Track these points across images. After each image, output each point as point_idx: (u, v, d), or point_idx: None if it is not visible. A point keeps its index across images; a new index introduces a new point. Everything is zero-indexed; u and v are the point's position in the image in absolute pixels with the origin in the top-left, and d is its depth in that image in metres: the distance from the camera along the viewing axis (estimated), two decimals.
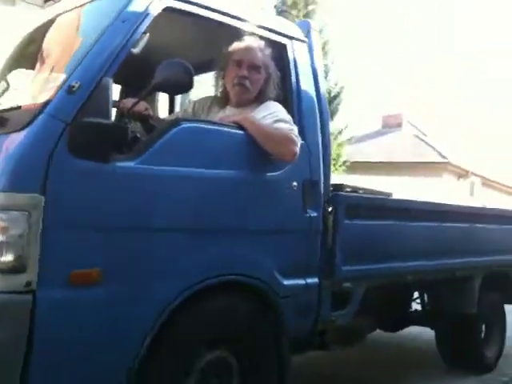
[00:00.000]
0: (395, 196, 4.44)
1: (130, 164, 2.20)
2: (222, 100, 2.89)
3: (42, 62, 2.60)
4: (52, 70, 2.45)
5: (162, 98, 3.76)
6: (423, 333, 5.15)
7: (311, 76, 3.07)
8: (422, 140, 23.68)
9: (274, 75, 2.81)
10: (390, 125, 25.59)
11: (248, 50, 2.75)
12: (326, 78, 17.78)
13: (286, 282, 2.73)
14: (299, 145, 2.68)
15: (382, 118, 26.63)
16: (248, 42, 2.77)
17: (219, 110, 2.88)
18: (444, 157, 21.79)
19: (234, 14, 2.73)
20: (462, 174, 22.23)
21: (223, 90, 2.88)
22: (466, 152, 25.24)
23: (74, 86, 2.07)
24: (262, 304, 2.65)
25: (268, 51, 2.80)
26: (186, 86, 2.35)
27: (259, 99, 2.81)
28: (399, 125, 25.41)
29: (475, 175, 21.28)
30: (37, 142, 2.00)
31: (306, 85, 3.00)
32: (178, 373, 2.34)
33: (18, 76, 3.00)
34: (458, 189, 20.05)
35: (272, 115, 2.69)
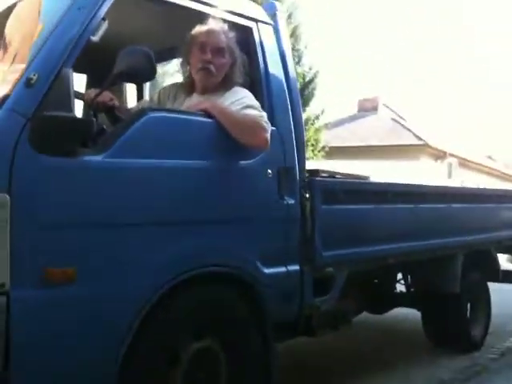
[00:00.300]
0: (372, 179, 4.43)
1: (98, 158, 2.13)
2: (188, 87, 2.81)
3: (4, 52, 2.50)
4: (13, 60, 2.35)
5: (131, 87, 3.67)
6: (410, 314, 5.18)
7: (279, 59, 3.00)
8: (399, 123, 23.80)
9: (240, 60, 2.74)
10: (366, 109, 25.66)
11: (211, 33, 2.67)
12: (299, 62, 17.84)
13: (266, 270, 2.70)
14: (270, 131, 2.62)
15: (357, 102, 26.68)
16: (211, 25, 2.68)
17: (185, 97, 2.81)
18: (421, 139, 21.92)
19: None
20: (440, 155, 22.38)
21: (188, 76, 2.80)
22: (443, 134, 25.46)
23: (32, 79, 1.98)
24: (244, 293, 2.62)
25: (232, 34, 2.72)
26: (149, 74, 2.29)
27: (225, 85, 2.73)
28: (375, 108, 25.49)
29: (453, 156, 21.44)
30: None
31: (274, 68, 2.94)
32: (162, 366, 2.30)
33: None
34: (436, 170, 20.19)
35: (240, 101, 2.62)
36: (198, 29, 2.69)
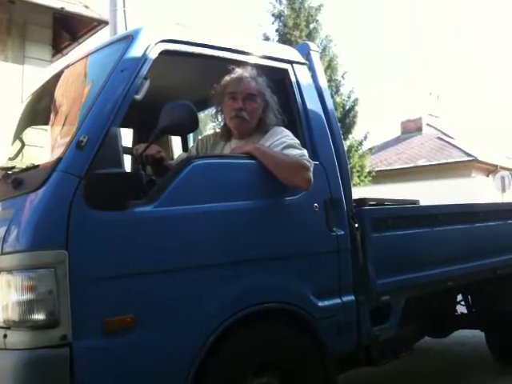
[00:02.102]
0: (422, 202, 4.39)
1: (148, 208, 2.23)
2: (225, 134, 2.90)
3: (54, 117, 2.66)
4: (63, 124, 2.51)
5: (176, 138, 3.79)
6: (472, 337, 5.04)
7: (316, 95, 3.06)
8: (445, 141, 23.39)
9: (272, 101, 2.80)
10: (410, 130, 25.41)
11: (240, 80, 2.74)
12: (337, 92, 17.93)
13: (320, 304, 2.71)
14: (312, 169, 2.66)
15: (400, 123, 26.44)
16: (239, 72, 2.75)
17: (224, 144, 2.90)
18: (470, 155, 21.47)
19: (231, 48, 2.75)
20: (491, 169, 21.83)
21: (224, 124, 2.90)
22: (492, 147, 24.83)
23: (82, 141, 2.11)
24: (300, 327, 2.63)
25: (262, 79, 2.79)
26: (192, 127, 2.40)
27: (261, 128, 2.81)
28: (419, 129, 25.20)
29: (504, 169, 20.87)
30: (54, 199, 2.04)
31: (313, 105, 3.00)
32: None
33: (33, 133, 3.07)
34: (489, 185, 19.67)
35: (279, 141, 2.68)
36: (228, 78, 2.76)
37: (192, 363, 2.21)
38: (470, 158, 21.30)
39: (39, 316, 1.96)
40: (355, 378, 3.74)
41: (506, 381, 4.22)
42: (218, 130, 3.01)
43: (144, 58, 2.36)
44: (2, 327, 2.02)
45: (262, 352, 2.49)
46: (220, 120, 2.93)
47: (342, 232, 2.89)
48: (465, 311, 4.57)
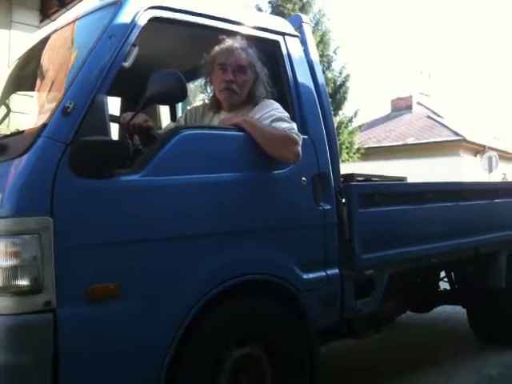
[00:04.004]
0: (410, 180, 4.42)
1: (135, 177, 2.21)
2: (214, 105, 2.87)
3: (41, 83, 2.62)
4: (49, 90, 2.47)
5: (165, 108, 3.76)
6: (454, 313, 5.12)
7: (307, 69, 3.04)
8: (435, 120, 23.45)
9: (262, 74, 2.77)
10: (400, 108, 25.42)
11: (231, 51, 2.70)
12: (329, 68, 17.84)
13: (305, 276, 2.73)
14: (301, 143, 2.65)
15: (391, 101, 26.44)
16: (229, 43, 2.72)
17: (213, 115, 2.87)
18: (459, 134, 21.55)
19: (222, 17, 2.71)
20: (479, 149, 21.96)
21: (213, 95, 2.86)
22: (481, 128, 24.92)
23: (68, 107, 2.08)
24: (285, 299, 2.66)
25: (252, 50, 2.76)
26: (180, 96, 2.37)
27: (251, 100, 2.78)
28: (409, 107, 25.22)
29: (492, 149, 20.99)
30: (39, 166, 2.02)
31: (304, 78, 2.98)
32: (207, 373, 2.35)
33: (19, 99, 3.03)
34: (476, 165, 19.81)
35: (269, 114, 2.66)
36: (218, 49, 2.72)
37: (176, 333, 2.22)
38: (459, 138, 21.40)
39: (23, 282, 1.95)
40: (337, 351, 3.81)
41: (485, 356, 4.31)
42: (206, 101, 2.97)
43: (132, 24, 2.32)
44: None
45: (245, 323, 2.52)
46: (209, 91, 2.89)
47: (329, 207, 2.90)
48: (448, 287, 4.64)
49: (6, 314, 1.95)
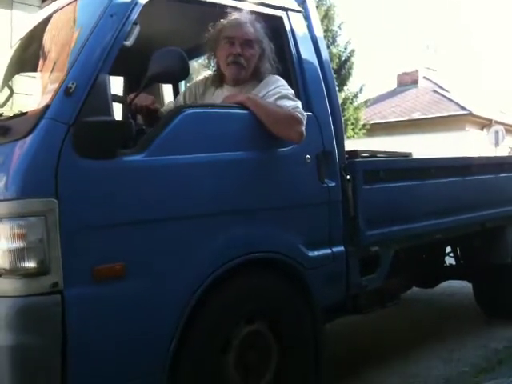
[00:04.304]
0: (416, 155, 4.40)
1: (138, 157, 2.21)
2: (217, 80, 2.83)
3: (43, 63, 2.61)
4: (51, 71, 2.45)
5: (167, 86, 3.74)
6: (462, 288, 5.13)
7: (311, 45, 3.01)
8: (441, 94, 23.22)
9: (268, 49, 2.74)
10: (406, 83, 25.15)
11: (239, 25, 2.67)
12: (333, 43, 17.66)
13: (311, 254, 2.74)
14: (305, 122, 2.62)
15: (397, 76, 26.18)
16: (237, 17, 2.68)
17: (215, 89, 2.83)
18: (465, 109, 21.37)
19: None
20: (485, 123, 21.78)
21: (217, 69, 2.82)
22: (487, 102, 24.68)
23: (70, 88, 2.06)
24: (291, 276, 2.67)
25: (259, 24, 2.72)
26: (182, 75, 2.35)
27: (256, 76, 2.75)
28: (415, 82, 24.95)
29: (498, 123, 20.82)
30: (42, 147, 2.02)
31: (307, 54, 2.95)
32: (215, 351, 2.37)
33: (22, 80, 3.02)
34: (483, 140, 19.67)
35: (273, 91, 2.64)
36: (226, 22, 2.68)
37: (182, 312, 2.24)
38: (465, 112, 21.21)
39: (30, 264, 1.96)
40: (342, 327, 3.84)
41: (491, 330, 4.33)
42: (207, 77, 2.94)
43: (134, 2, 2.30)
44: None
45: (251, 301, 2.54)
46: (212, 65, 2.85)
47: (334, 184, 2.89)
48: (453, 263, 4.65)
49: (13, 295, 1.97)
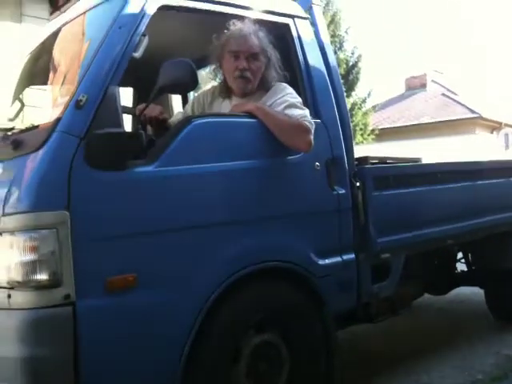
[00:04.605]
0: (425, 160, 4.38)
1: (148, 168, 2.22)
2: (224, 91, 2.83)
3: (53, 76, 2.63)
4: (62, 84, 2.48)
5: (176, 96, 3.76)
6: (471, 294, 5.10)
7: (318, 51, 3.01)
8: (450, 98, 23.12)
9: (274, 57, 2.73)
10: (415, 86, 25.06)
11: (243, 38, 2.65)
12: (340, 48, 17.66)
13: (321, 262, 2.73)
14: (313, 131, 2.62)
15: (405, 80, 26.11)
16: (241, 29, 2.67)
17: (223, 101, 2.84)
18: (474, 112, 21.27)
19: (230, 2, 2.69)
20: (495, 126, 21.66)
21: (223, 81, 2.82)
22: (497, 105, 24.56)
23: (81, 100, 2.09)
24: (301, 285, 2.66)
25: (263, 34, 2.71)
26: (191, 85, 2.36)
27: (263, 86, 2.75)
28: (424, 85, 24.87)
29: (508, 126, 20.70)
30: (55, 160, 2.04)
31: (315, 61, 2.95)
32: (226, 360, 2.37)
33: (32, 93, 3.04)
34: (493, 142, 19.57)
35: (281, 100, 2.64)
36: (230, 35, 2.68)
37: (194, 321, 2.24)
38: (474, 115, 21.11)
39: (42, 276, 1.98)
40: (353, 335, 3.82)
41: (504, 337, 4.28)
42: (215, 86, 2.94)
43: (142, 13, 2.32)
44: (5, 287, 2.03)
45: (263, 310, 2.53)
46: (219, 77, 2.85)
47: (343, 191, 2.89)
48: (465, 269, 4.61)
49: (26, 308, 1.98)
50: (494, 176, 4.12)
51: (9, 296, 2.02)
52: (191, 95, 3.71)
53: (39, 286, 1.99)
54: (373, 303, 3.13)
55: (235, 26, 2.68)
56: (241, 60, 2.67)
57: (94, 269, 2.06)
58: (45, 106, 2.56)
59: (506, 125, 21.11)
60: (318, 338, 2.69)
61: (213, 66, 2.85)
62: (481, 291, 4.64)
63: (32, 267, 1.98)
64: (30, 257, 1.97)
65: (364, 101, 18.44)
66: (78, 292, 2.01)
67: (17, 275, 1.99)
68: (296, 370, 2.61)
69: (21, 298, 2.00)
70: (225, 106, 2.80)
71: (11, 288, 2.02)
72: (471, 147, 17.58)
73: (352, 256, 2.92)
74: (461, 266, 4.64)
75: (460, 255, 4.59)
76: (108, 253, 2.10)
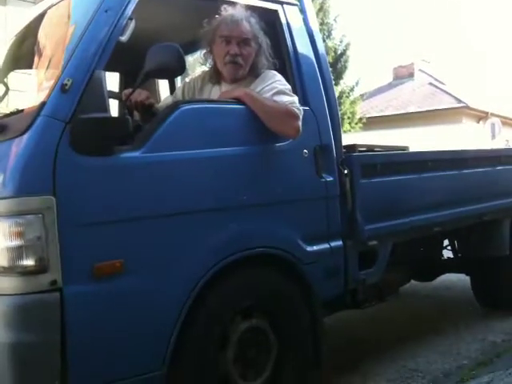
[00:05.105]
0: (412, 149, 4.40)
1: (135, 154, 2.20)
2: (214, 76, 2.81)
3: (38, 60, 2.59)
4: (47, 67, 2.44)
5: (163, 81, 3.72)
6: (458, 281, 5.15)
7: (307, 38, 3.00)
8: (437, 87, 23.22)
9: (264, 44, 2.72)
10: (402, 76, 25.15)
11: (235, 23, 2.63)
12: (329, 36, 17.61)
13: (309, 249, 2.74)
14: (301, 117, 2.61)
15: (392, 69, 26.16)
16: (233, 14, 2.65)
17: (213, 86, 2.82)
18: (461, 101, 21.37)
19: None
20: (482, 116, 21.80)
21: (213, 66, 2.80)
22: (484, 94, 24.69)
23: (66, 84, 2.06)
24: (289, 272, 2.67)
25: (255, 20, 2.69)
26: (179, 70, 2.34)
27: (252, 72, 2.73)
28: (411, 75, 24.94)
29: (495, 116, 20.83)
30: (39, 145, 2.01)
31: (303, 48, 2.94)
32: (213, 347, 2.37)
33: (17, 77, 3.00)
34: (479, 132, 19.69)
35: (270, 86, 2.63)
36: (221, 20, 2.65)
37: (181, 307, 2.24)
38: (461, 105, 21.23)
39: (28, 262, 1.96)
40: (340, 321, 3.84)
41: (489, 323, 4.33)
42: (205, 72, 2.92)
43: None
44: None
45: (251, 296, 2.54)
46: (209, 62, 2.82)
47: (331, 178, 2.89)
48: (451, 256, 4.65)
49: (12, 294, 1.97)
50: (480, 165, 4.15)
51: None
52: (178, 80, 3.69)
53: (25, 272, 1.97)
54: (360, 289, 3.14)
55: (226, 11, 2.66)
56: (232, 45, 2.65)
57: (80, 254, 2.05)
58: (30, 90, 2.52)
59: (493, 114, 21.24)
60: (306, 324, 2.70)
61: (203, 51, 2.82)
62: (467, 278, 4.69)
63: (18, 253, 1.96)
64: (15, 242, 1.95)
65: (352, 89, 18.43)
66: (65, 278, 1.99)
67: (2, 261, 1.97)
68: (283, 355, 2.62)
69: (7, 283, 1.98)
70: (214, 92, 2.78)
71: None
72: (458, 136, 17.68)
73: (339, 243, 2.93)
74: (447, 253, 4.68)
75: (446, 242, 4.62)
76: (95, 238, 2.09)
